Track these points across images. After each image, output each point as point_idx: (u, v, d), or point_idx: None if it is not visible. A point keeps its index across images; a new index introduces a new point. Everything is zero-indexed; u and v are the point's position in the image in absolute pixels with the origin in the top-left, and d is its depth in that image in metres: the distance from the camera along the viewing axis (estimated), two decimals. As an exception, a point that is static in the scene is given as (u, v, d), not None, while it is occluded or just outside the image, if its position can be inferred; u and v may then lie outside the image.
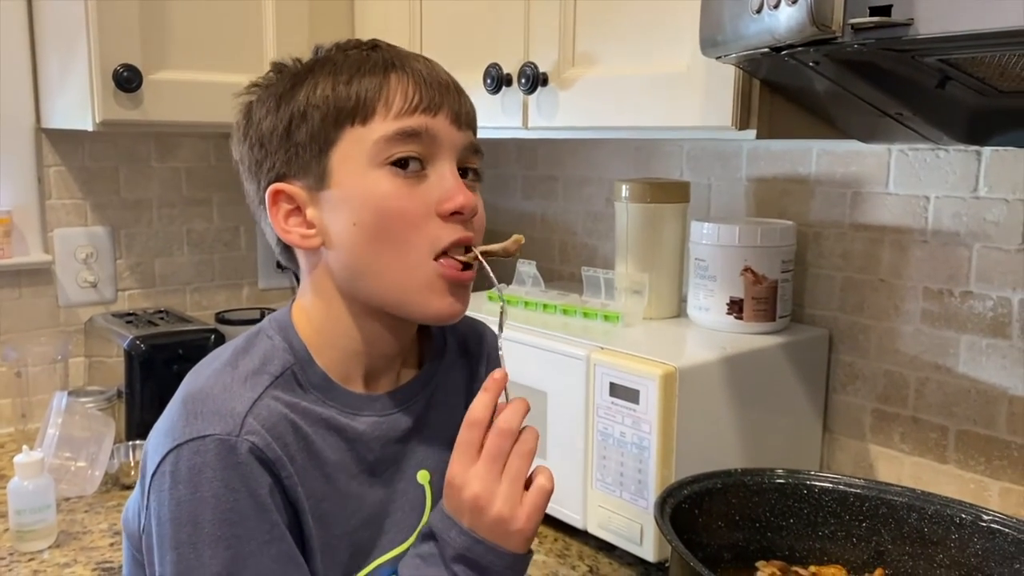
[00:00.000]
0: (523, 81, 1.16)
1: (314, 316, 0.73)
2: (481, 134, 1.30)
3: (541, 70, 1.15)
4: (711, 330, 1.22)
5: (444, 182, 0.70)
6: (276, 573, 0.65)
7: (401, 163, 0.68)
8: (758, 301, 1.19)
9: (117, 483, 1.33)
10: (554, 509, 1.19)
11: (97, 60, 1.26)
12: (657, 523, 0.87)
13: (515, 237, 0.75)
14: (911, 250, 1.17)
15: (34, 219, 1.57)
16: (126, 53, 1.27)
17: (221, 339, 1.47)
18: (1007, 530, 0.90)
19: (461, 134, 0.72)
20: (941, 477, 1.17)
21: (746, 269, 1.18)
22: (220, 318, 1.66)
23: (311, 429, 0.69)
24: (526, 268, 1.40)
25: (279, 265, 1.83)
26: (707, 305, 1.22)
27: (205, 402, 0.66)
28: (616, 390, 1.09)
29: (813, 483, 1.00)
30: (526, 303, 1.36)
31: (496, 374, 0.70)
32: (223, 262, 1.77)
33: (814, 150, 1.27)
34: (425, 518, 0.76)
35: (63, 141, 1.57)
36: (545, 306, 1.33)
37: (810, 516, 1.00)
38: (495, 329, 0.77)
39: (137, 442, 1.36)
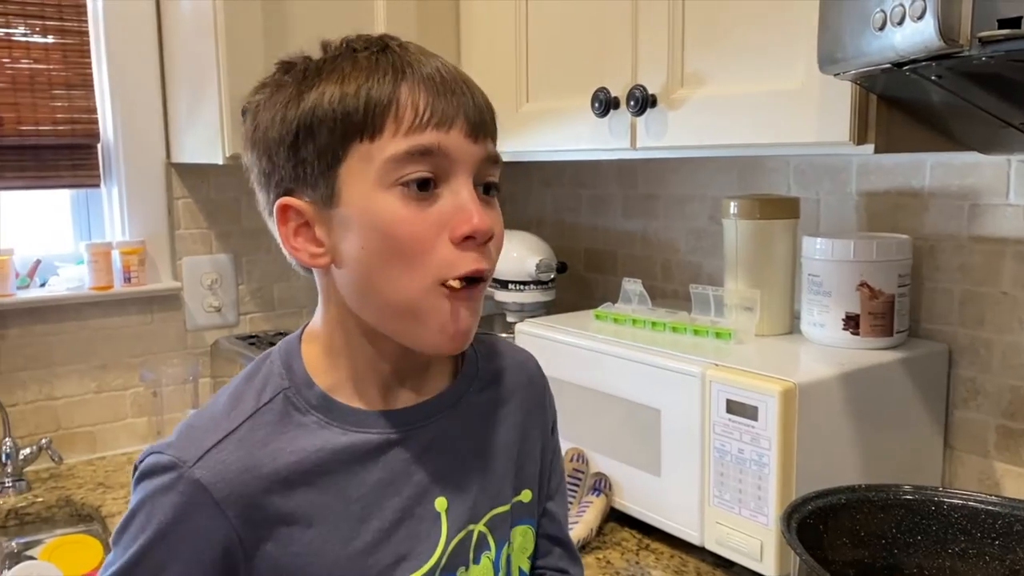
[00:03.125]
0: (631, 103, 1.18)
1: (326, 332, 0.71)
2: (587, 156, 1.34)
3: (650, 92, 1.17)
4: (826, 346, 1.22)
5: (458, 202, 0.64)
6: None
7: (412, 183, 0.64)
8: (875, 316, 1.18)
9: (246, 497, 1.40)
10: (670, 526, 1.20)
11: (227, 98, 1.35)
12: (784, 538, 0.87)
13: None
14: (1036, 262, 1.15)
15: (165, 248, 1.67)
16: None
17: (339, 359, 1.54)
18: None
19: (477, 147, 0.66)
20: (1075, 495, 1.13)
21: (862, 284, 1.17)
22: (335, 339, 1.73)
23: (298, 457, 0.66)
24: (632, 286, 1.42)
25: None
26: (822, 321, 1.21)
27: (191, 427, 0.67)
28: (733, 407, 1.09)
29: (942, 499, 0.98)
30: (634, 321, 1.37)
31: None
32: (335, 286, 1.84)
33: (928, 163, 1.25)
34: (439, 549, 0.71)
35: (190, 175, 1.68)
36: (653, 324, 1.35)
37: (939, 533, 0.98)
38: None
39: (263, 458, 1.43)
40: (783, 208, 1.29)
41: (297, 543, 0.66)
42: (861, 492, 0.99)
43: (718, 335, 1.26)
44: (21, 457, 1.49)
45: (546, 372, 1.40)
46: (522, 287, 1.66)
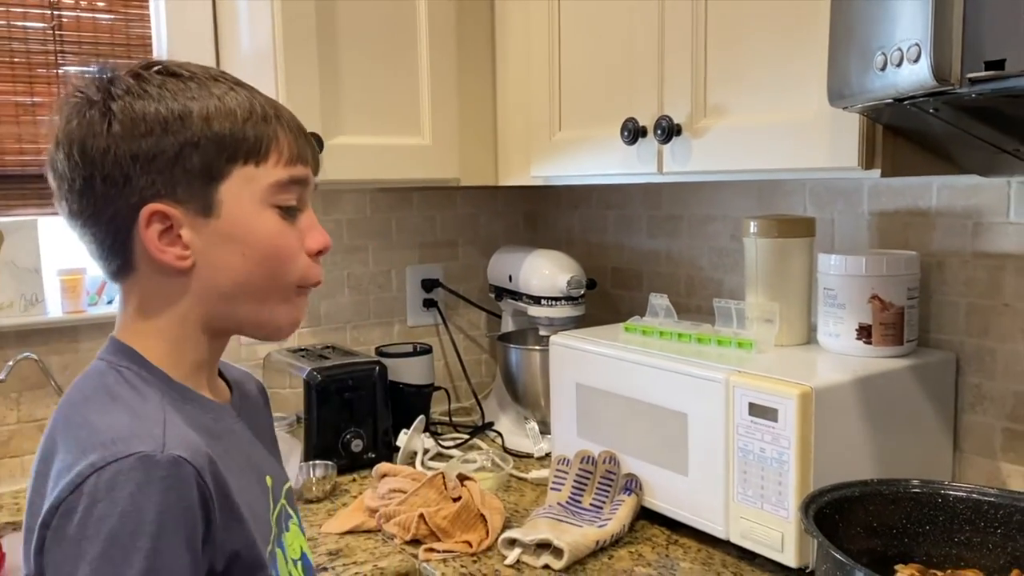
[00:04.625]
0: (659, 132, 1.29)
1: (172, 328, 0.77)
2: (617, 180, 1.45)
3: (675, 122, 1.28)
4: (841, 355, 1.31)
5: (310, 223, 0.81)
6: None
7: (285, 208, 0.78)
8: (886, 327, 1.27)
9: (301, 497, 1.51)
10: (697, 521, 1.30)
11: (285, 129, 1.47)
12: (803, 524, 0.97)
13: None
14: (1035, 275, 1.24)
15: (221, 267, 1.79)
16: (310, 123, 1.46)
17: (384, 369, 1.66)
18: None
19: (314, 179, 0.82)
20: (1076, 492, 1.21)
21: (873, 297, 1.27)
22: (380, 351, 1.85)
23: (205, 439, 0.72)
24: (659, 300, 1.52)
25: (425, 304, 2.00)
26: (837, 331, 1.31)
27: (118, 430, 0.67)
28: (755, 409, 1.19)
29: (947, 492, 1.07)
30: (660, 332, 1.47)
31: None
32: (377, 302, 1.96)
33: (934, 185, 1.35)
34: (272, 519, 0.82)
35: (244, 199, 1.80)
36: (680, 335, 1.44)
37: (945, 524, 1.07)
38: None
39: (316, 461, 1.54)
40: (800, 227, 1.39)
41: (235, 516, 0.72)
42: (873, 486, 1.08)
43: (740, 345, 1.36)
44: (91, 461, 1.61)
45: (579, 380, 1.52)
46: (553, 303, 1.77)
